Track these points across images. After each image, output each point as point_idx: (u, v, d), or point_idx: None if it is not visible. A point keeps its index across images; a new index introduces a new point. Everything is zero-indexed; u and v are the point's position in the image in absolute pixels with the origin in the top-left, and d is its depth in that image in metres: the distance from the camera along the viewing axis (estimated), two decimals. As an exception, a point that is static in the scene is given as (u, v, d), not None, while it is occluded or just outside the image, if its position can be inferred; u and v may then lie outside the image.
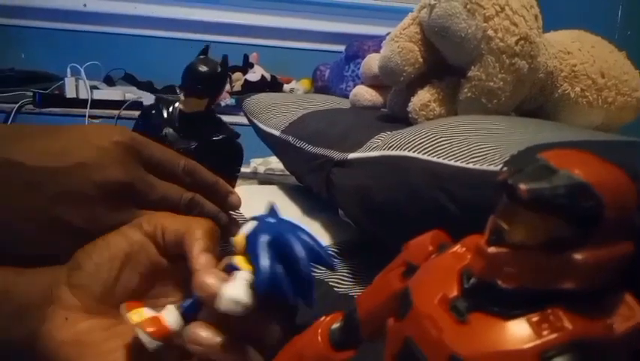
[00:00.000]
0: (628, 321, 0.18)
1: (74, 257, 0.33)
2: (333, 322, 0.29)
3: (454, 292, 0.21)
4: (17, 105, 1.53)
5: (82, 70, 1.59)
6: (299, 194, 0.68)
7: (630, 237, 0.19)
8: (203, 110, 0.45)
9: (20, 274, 0.32)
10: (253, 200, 0.64)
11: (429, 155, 0.38)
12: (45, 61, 1.85)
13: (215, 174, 0.44)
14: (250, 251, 0.33)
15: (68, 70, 1.59)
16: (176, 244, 0.33)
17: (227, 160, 0.47)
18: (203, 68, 0.43)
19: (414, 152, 0.39)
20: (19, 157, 0.32)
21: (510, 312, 0.19)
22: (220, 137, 0.46)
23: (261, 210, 0.59)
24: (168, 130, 0.44)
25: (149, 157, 0.37)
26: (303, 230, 0.34)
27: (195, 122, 0.44)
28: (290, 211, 0.61)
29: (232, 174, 0.48)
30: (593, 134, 0.43)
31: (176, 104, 0.45)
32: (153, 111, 0.45)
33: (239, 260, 0.33)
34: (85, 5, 2.01)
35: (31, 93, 1.57)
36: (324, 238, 0.53)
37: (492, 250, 0.19)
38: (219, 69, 0.44)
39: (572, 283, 0.18)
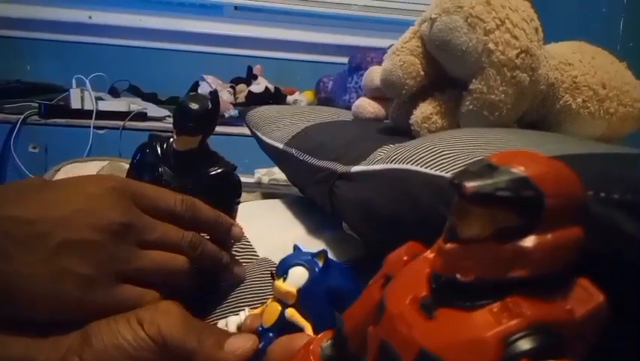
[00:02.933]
0: (586, 304, 0.19)
1: (87, 329, 0.33)
2: (324, 339, 0.29)
3: (423, 293, 0.22)
4: (23, 116, 1.55)
5: (87, 81, 1.61)
6: (302, 208, 0.68)
7: (578, 222, 0.20)
8: (197, 147, 0.44)
9: (40, 342, 0.33)
10: (256, 217, 0.65)
11: (431, 168, 0.38)
12: (50, 72, 1.87)
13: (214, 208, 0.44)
14: (307, 309, 0.33)
15: (73, 81, 1.61)
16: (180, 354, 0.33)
17: (226, 194, 0.46)
18: (193, 106, 0.42)
19: (416, 165, 0.39)
20: (17, 212, 0.33)
21: (473, 304, 0.20)
22: (216, 171, 0.45)
23: (263, 227, 0.59)
24: (164, 168, 0.43)
25: (144, 198, 0.37)
26: (349, 273, 0.35)
27: (190, 160, 0.44)
28: (293, 229, 0.61)
29: (231, 207, 0.47)
30: (596, 145, 0.43)
31: (170, 140, 0.44)
32: (148, 150, 0.44)
33: (292, 314, 0.34)
34: (90, 17, 2.03)
35: (37, 104, 1.58)
36: (330, 257, 0.53)
37: (447, 246, 0.21)
38: (210, 105, 0.43)
39: (524, 269, 0.19)
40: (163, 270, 0.37)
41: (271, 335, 0.34)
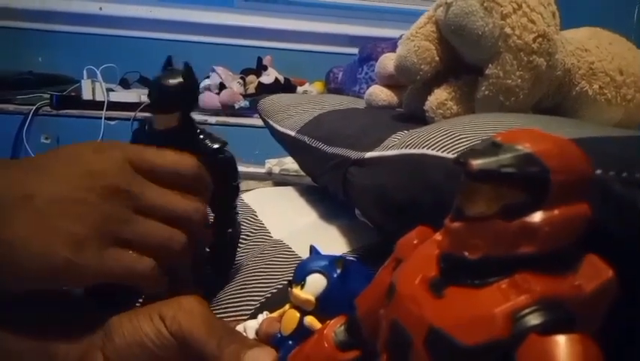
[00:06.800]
0: (595, 280, 0.19)
1: (108, 324, 0.33)
2: (338, 324, 0.30)
3: (432, 273, 0.22)
4: (35, 107, 1.56)
5: (98, 72, 1.61)
6: (314, 196, 0.68)
7: (584, 199, 0.20)
8: (178, 125, 0.41)
9: (60, 335, 0.32)
10: (269, 202, 0.65)
11: (448, 152, 0.38)
12: (62, 63, 1.88)
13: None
14: (327, 316, 0.32)
15: (85, 72, 1.62)
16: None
17: (218, 172, 0.43)
18: (167, 82, 0.40)
19: (432, 149, 0.39)
20: (5, 178, 0.32)
21: (482, 282, 0.20)
22: (204, 149, 0.42)
23: (276, 212, 0.60)
24: None
25: (145, 162, 0.36)
26: (370, 277, 0.34)
27: (173, 139, 0.41)
28: (306, 214, 0.61)
29: (230, 189, 0.45)
30: (615, 130, 0.43)
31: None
32: (139, 135, 0.43)
33: (312, 321, 0.33)
34: (101, 9, 2.03)
35: (48, 95, 1.59)
36: (342, 244, 0.53)
37: (455, 225, 0.21)
38: (183, 79, 0.40)
39: (532, 245, 0.19)
40: (160, 240, 0.35)
41: (290, 343, 0.33)
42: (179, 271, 0.37)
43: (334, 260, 0.34)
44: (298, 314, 0.34)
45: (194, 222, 0.37)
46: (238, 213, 0.48)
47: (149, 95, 0.41)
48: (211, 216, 0.45)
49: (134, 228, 0.34)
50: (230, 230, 0.46)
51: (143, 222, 0.34)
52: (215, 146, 0.43)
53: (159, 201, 0.35)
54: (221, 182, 0.43)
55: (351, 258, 0.35)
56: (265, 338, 0.35)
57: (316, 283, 0.33)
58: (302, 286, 0.34)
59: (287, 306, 0.36)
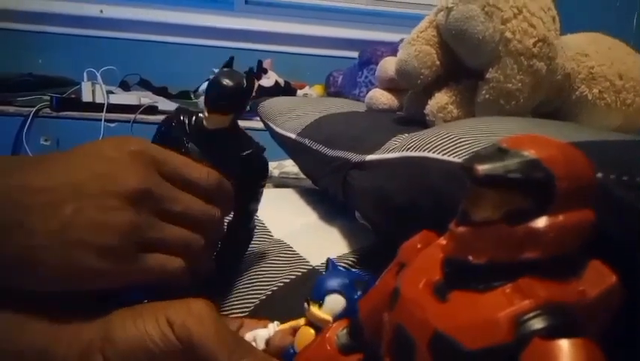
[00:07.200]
0: (599, 285, 0.19)
1: (110, 321, 0.32)
2: (340, 328, 0.30)
3: (436, 277, 0.22)
4: (35, 109, 1.56)
5: (98, 75, 1.61)
6: (313, 198, 0.68)
7: (589, 205, 0.20)
8: (228, 126, 0.41)
9: (60, 331, 0.31)
10: (269, 203, 0.65)
11: (449, 155, 0.38)
12: (62, 66, 1.88)
13: (240, 190, 0.42)
14: None
15: (85, 75, 1.62)
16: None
17: (253, 176, 0.44)
18: (228, 83, 0.39)
19: (434, 152, 0.39)
20: (29, 180, 0.31)
21: (486, 286, 0.20)
22: (246, 153, 0.43)
23: (277, 213, 0.60)
24: (191, 145, 0.41)
25: (167, 165, 0.35)
26: None
27: (219, 139, 0.41)
28: (306, 216, 0.61)
29: (257, 190, 0.45)
30: (614, 134, 0.43)
31: (199, 115, 0.42)
32: (174, 123, 0.42)
33: None
34: (101, 11, 2.04)
35: (49, 97, 1.59)
36: (341, 245, 0.53)
37: (460, 229, 0.21)
38: (245, 83, 0.40)
39: (536, 251, 0.19)
40: (183, 246, 0.35)
41: None
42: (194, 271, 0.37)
43: (355, 281, 0.34)
44: (313, 331, 0.34)
45: (212, 229, 0.37)
46: (254, 219, 0.48)
47: (206, 93, 0.41)
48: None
49: (158, 233, 0.34)
50: (242, 231, 0.46)
51: (166, 228, 0.34)
52: (254, 151, 0.43)
53: (181, 207, 0.35)
54: (247, 185, 0.43)
55: (369, 275, 0.34)
56: (277, 352, 0.35)
57: (335, 303, 0.33)
58: (320, 305, 0.33)
59: (301, 321, 0.35)
